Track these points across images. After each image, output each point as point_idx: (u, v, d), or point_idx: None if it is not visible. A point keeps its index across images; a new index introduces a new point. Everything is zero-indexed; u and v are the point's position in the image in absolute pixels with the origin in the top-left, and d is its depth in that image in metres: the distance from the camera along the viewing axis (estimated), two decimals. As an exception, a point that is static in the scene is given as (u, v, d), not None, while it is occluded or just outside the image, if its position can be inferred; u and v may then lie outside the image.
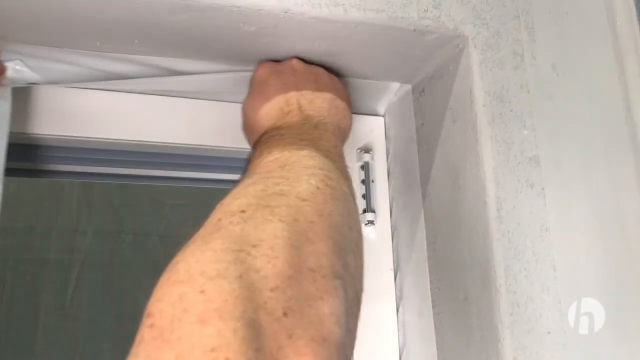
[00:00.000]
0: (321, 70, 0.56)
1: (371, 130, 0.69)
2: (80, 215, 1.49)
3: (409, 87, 0.67)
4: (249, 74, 0.58)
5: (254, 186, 0.36)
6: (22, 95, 0.56)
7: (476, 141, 0.54)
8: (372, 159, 0.67)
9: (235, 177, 0.67)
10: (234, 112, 0.64)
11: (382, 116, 0.70)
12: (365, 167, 0.66)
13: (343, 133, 0.54)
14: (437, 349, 0.57)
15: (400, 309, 0.63)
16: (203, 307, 0.25)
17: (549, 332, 0.49)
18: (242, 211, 0.32)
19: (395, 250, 0.65)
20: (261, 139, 0.48)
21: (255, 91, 0.55)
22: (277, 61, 0.57)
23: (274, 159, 0.41)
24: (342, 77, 0.61)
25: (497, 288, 0.50)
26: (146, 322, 0.25)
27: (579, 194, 0.56)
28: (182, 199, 1.53)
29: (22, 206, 1.45)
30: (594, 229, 0.55)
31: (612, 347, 0.52)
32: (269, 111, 0.51)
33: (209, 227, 0.31)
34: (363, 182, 0.66)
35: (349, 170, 0.66)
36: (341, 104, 0.54)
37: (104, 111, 0.59)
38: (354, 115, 0.69)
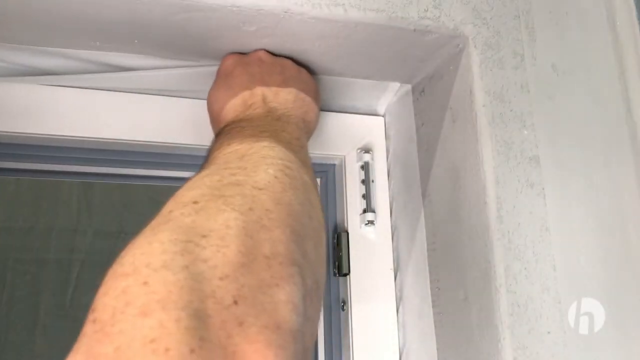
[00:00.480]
0: (288, 62, 0.56)
1: (371, 130, 0.69)
2: (80, 215, 1.49)
3: (409, 87, 0.67)
4: None
5: (210, 177, 0.36)
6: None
7: (476, 141, 0.54)
8: (372, 159, 0.67)
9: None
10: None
11: (382, 116, 0.70)
12: (365, 167, 0.66)
13: (307, 126, 0.54)
14: (437, 349, 0.57)
15: (400, 309, 0.63)
16: (146, 298, 0.24)
17: (549, 332, 0.49)
18: (195, 202, 0.32)
19: (395, 250, 0.65)
20: (223, 131, 0.48)
21: (221, 83, 0.54)
22: (243, 53, 0.56)
23: (233, 150, 0.41)
24: (314, 74, 0.60)
25: (497, 288, 0.50)
26: (89, 317, 0.25)
27: (579, 194, 0.56)
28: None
29: (22, 206, 1.45)
30: (594, 229, 0.55)
31: (612, 347, 0.52)
32: (234, 103, 0.51)
33: (159, 219, 0.31)
34: (363, 182, 0.66)
35: (348, 170, 0.66)
36: (306, 98, 0.54)
37: (103, 110, 0.59)
38: (354, 116, 0.69)
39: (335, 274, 0.64)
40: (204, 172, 0.37)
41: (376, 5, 0.52)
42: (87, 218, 1.49)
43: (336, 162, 0.68)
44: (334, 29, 0.53)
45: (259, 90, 0.51)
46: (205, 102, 0.63)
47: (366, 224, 0.64)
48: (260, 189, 0.35)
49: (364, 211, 0.65)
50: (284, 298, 0.29)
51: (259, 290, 0.28)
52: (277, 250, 0.31)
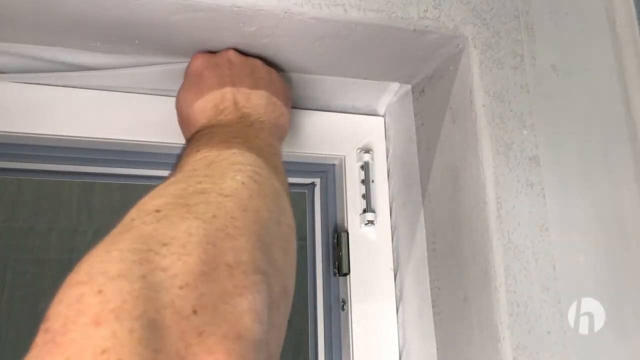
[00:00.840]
0: (258, 63, 0.55)
1: (371, 130, 0.69)
2: (80, 215, 1.49)
3: (408, 87, 0.67)
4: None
5: (174, 185, 0.35)
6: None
7: (476, 141, 0.54)
8: (372, 159, 0.67)
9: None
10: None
11: (382, 116, 0.70)
12: (365, 167, 0.66)
13: (280, 131, 0.53)
14: (437, 349, 0.57)
15: (400, 309, 0.63)
16: (99, 307, 0.24)
17: (548, 332, 0.49)
18: (157, 210, 0.31)
19: (395, 250, 0.65)
20: (194, 137, 0.46)
21: (190, 84, 0.53)
22: (213, 52, 0.55)
23: (201, 157, 0.40)
24: (282, 72, 0.59)
25: (496, 288, 0.50)
26: (42, 327, 0.24)
27: (579, 194, 0.56)
28: (182, 199, 1.53)
29: (22, 206, 1.45)
30: (594, 229, 0.55)
31: (612, 347, 0.52)
32: (204, 107, 0.50)
33: (120, 228, 0.31)
34: (363, 182, 0.66)
35: (348, 170, 0.66)
36: (277, 102, 0.53)
37: (103, 110, 0.59)
38: (354, 116, 0.69)
39: (335, 274, 0.64)
40: (170, 180, 0.36)
41: (376, 6, 0.52)
42: (87, 218, 1.49)
43: (336, 162, 0.68)
44: (334, 29, 0.53)
45: (230, 94, 0.50)
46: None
47: (366, 224, 0.64)
48: (226, 196, 0.34)
49: (364, 211, 0.65)
50: (247, 307, 0.28)
51: (220, 300, 0.27)
52: (240, 259, 0.30)
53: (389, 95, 0.68)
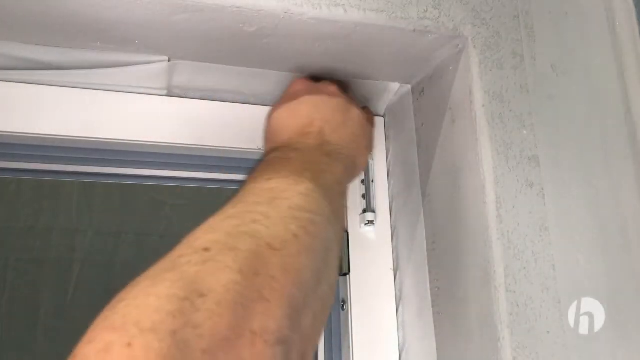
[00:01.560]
0: (358, 114, 0.56)
1: (371, 130, 0.69)
2: (80, 215, 1.49)
3: (408, 87, 0.67)
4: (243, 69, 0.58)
5: (230, 220, 0.34)
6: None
7: (476, 141, 0.54)
8: (372, 159, 0.67)
9: (234, 177, 0.67)
10: (234, 112, 0.64)
11: (382, 116, 0.70)
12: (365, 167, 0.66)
13: (354, 172, 0.54)
14: (437, 348, 0.57)
15: (400, 309, 0.63)
16: None
17: (548, 332, 0.49)
18: (206, 249, 0.30)
19: (395, 250, 0.65)
20: (269, 156, 0.47)
21: (286, 105, 0.54)
22: (315, 79, 0.58)
23: (268, 188, 0.39)
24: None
25: (496, 288, 0.50)
26: None
27: (578, 194, 0.56)
28: (182, 199, 1.53)
29: (22, 206, 1.45)
30: (594, 229, 0.55)
31: (612, 347, 0.52)
32: (291, 126, 0.52)
33: (165, 263, 0.30)
34: (363, 182, 0.66)
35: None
36: (363, 141, 0.55)
37: (103, 110, 0.59)
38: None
39: (335, 274, 0.64)
40: (229, 211, 0.35)
41: (376, 6, 0.52)
42: (87, 218, 1.49)
43: (336, 162, 0.68)
44: (334, 29, 0.53)
45: (319, 122, 0.51)
46: (205, 103, 0.63)
47: (366, 224, 0.64)
48: (274, 250, 0.33)
49: (364, 211, 0.65)
50: None
51: None
52: (267, 326, 0.29)
53: (389, 95, 0.68)
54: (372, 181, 0.66)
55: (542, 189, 0.54)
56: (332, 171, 0.46)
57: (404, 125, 0.67)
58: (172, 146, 0.61)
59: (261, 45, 0.55)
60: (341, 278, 0.64)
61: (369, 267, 0.64)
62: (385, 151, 0.68)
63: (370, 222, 0.64)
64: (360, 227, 0.65)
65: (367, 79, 0.64)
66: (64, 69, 0.57)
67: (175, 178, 0.66)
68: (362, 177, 0.66)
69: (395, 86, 0.67)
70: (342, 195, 0.47)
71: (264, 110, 0.65)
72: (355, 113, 0.55)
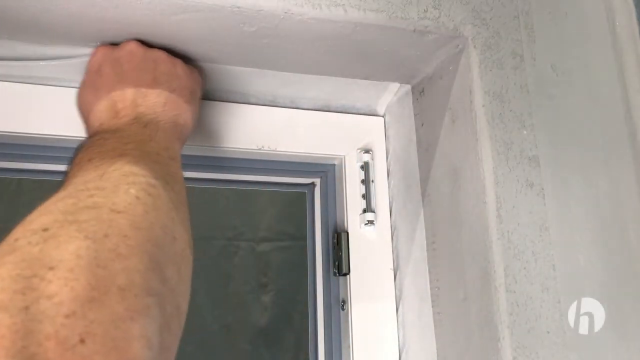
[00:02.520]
0: (162, 56, 0.51)
1: (371, 130, 0.69)
2: (81, 215, 1.49)
3: (408, 87, 0.67)
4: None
5: (64, 200, 0.33)
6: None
7: (476, 141, 0.54)
8: (372, 159, 0.67)
9: (234, 177, 0.67)
10: (234, 112, 0.64)
11: (382, 116, 0.70)
12: (365, 167, 0.66)
13: (181, 130, 0.49)
14: (437, 349, 0.57)
15: (400, 309, 0.63)
16: None
17: (548, 332, 0.49)
18: (45, 229, 0.30)
19: (395, 250, 0.65)
20: (86, 143, 0.44)
21: (89, 82, 0.50)
22: (114, 44, 0.51)
23: (93, 167, 0.38)
24: (195, 62, 0.57)
25: (496, 287, 0.50)
26: None
27: (578, 194, 0.56)
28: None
29: (22, 206, 1.45)
30: (594, 228, 0.55)
31: (612, 347, 0.52)
32: (100, 109, 0.47)
33: (3, 248, 0.29)
34: (363, 182, 0.66)
35: (348, 170, 0.66)
36: (178, 99, 0.49)
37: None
38: (354, 116, 0.69)
39: (335, 274, 0.64)
40: (60, 194, 0.35)
41: (376, 6, 0.52)
42: (87, 218, 1.49)
43: (336, 162, 0.68)
44: (334, 29, 0.53)
45: (130, 93, 0.47)
46: (204, 103, 0.63)
47: (366, 224, 0.64)
48: (119, 212, 0.33)
49: (364, 211, 0.65)
50: (138, 333, 0.27)
51: (111, 325, 0.26)
52: (133, 280, 0.29)
53: (389, 95, 0.68)
54: (372, 181, 0.66)
55: (542, 189, 0.54)
56: (154, 139, 0.44)
57: (403, 125, 0.67)
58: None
59: (261, 45, 0.55)
60: (341, 278, 0.64)
61: (369, 267, 0.64)
62: (385, 151, 0.68)
63: (370, 222, 0.64)
64: (360, 227, 0.65)
65: (367, 79, 0.64)
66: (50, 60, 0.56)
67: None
68: (362, 177, 0.66)
69: (395, 86, 0.67)
70: (174, 159, 0.45)
71: (264, 110, 0.66)
72: (166, 65, 0.50)
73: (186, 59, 0.55)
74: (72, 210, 0.32)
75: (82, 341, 0.25)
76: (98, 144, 0.42)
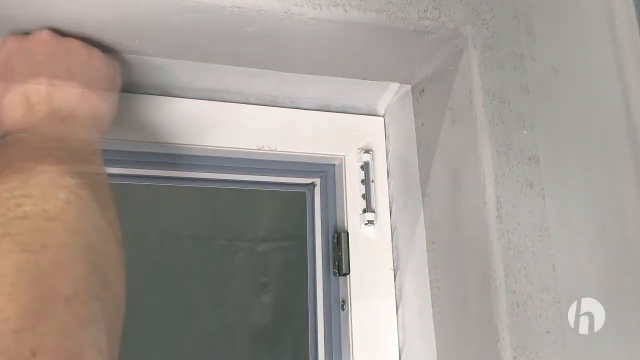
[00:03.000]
0: (76, 45, 0.48)
1: (371, 130, 0.69)
2: (81, 215, 1.49)
3: (408, 87, 0.67)
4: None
5: None
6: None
7: (476, 141, 0.54)
8: (372, 159, 0.67)
9: (234, 177, 0.67)
10: (234, 112, 0.64)
11: (382, 116, 0.70)
12: (365, 167, 0.66)
13: (99, 123, 0.47)
14: (437, 349, 0.57)
15: (400, 309, 0.63)
16: None
17: (548, 332, 0.49)
18: None
19: (395, 250, 0.65)
20: (2, 142, 0.41)
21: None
22: (27, 33, 0.48)
23: (14, 171, 0.35)
24: (117, 53, 0.54)
25: (496, 288, 0.50)
26: None
27: (578, 194, 0.56)
28: (182, 199, 1.53)
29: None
30: (594, 229, 0.55)
31: (611, 347, 0.52)
32: (11, 105, 0.43)
33: None
34: (363, 182, 0.66)
35: (348, 170, 0.66)
36: (95, 90, 0.46)
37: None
38: (354, 116, 0.69)
39: (335, 274, 0.64)
40: None
41: (376, 6, 0.52)
42: (87, 218, 1.49)
43: (336, 162, 0.69)
44: (334, 29, 0.53)
45: (43, 87, 0.43)
46: (204, 103, 0.63)
47: (366, 224, 0.64)
48: (53, 220, 0.31)
49: (364, 211, 0.65)
50: (89, 342, 0.27)
51: (61, 336, 0.26)
52: (77, 289, 0.29)
53: (389, 95, 0.68)
54: (372, 181, 0.66)
55: (542, 189, 0.54)
56: (74, 135, 0.42)
57: (403, 125, 0.67)
58: (172, 146, 0.61)
59: (261, 45, 0.55)
60: (341, 278, 0.64)
61: (369, 267, 0.64)
62: (385, 151, 0.68)
63: (370, 222, 0.64)
64: (360, 227, 0.65)
65: (366, 79, 0.64)
66: None
67: (175, 178, 0.66)
68: (362, 177, 0.66)
69: (395, 86, 0.67)
70: (94, 154, 0.43)
71: (264, 110, 0.66)
72: (80, 54, 0.47)
73: (105, 49, 0.52)
74: (2, 222, 0.31)
75: (34, 354, 0.25)
76: (15, 144, 0.39)
